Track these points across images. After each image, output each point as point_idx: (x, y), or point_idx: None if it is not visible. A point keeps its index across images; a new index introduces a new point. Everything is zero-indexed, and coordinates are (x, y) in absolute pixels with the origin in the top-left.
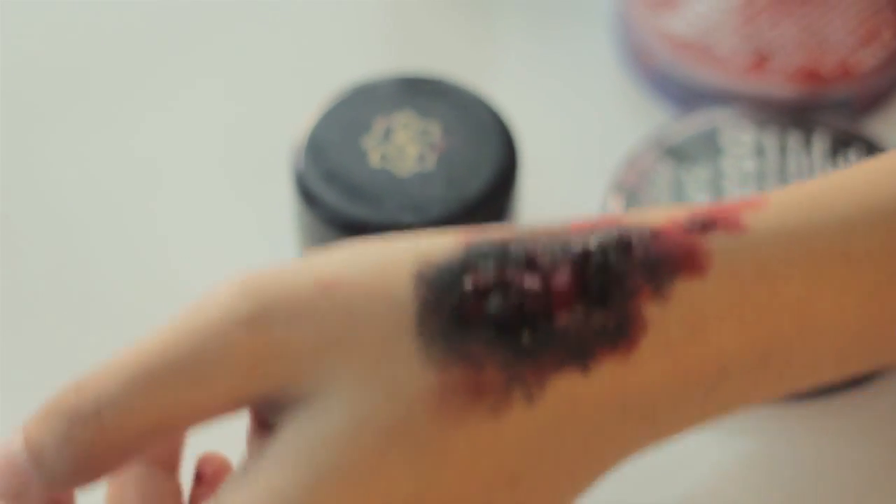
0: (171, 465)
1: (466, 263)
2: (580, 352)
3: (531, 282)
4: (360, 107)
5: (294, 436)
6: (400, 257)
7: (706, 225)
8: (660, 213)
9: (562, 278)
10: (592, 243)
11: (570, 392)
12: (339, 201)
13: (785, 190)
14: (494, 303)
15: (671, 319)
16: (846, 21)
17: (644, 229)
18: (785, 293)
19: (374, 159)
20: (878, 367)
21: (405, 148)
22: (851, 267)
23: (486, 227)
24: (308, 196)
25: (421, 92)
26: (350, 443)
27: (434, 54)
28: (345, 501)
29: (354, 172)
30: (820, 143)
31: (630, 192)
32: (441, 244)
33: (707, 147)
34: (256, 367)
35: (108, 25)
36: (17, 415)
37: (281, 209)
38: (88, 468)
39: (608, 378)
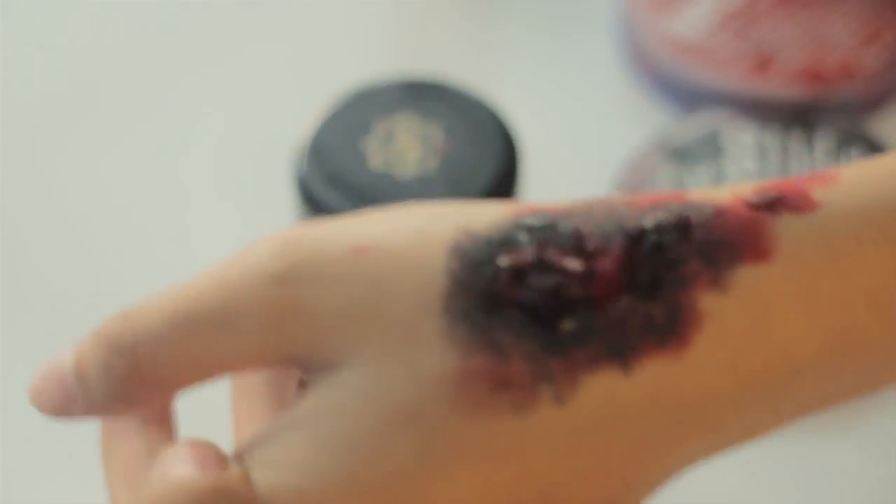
0: (163, 421)
1: (508, 237)
2: (621, 348)
3: (574, 264)
4: (361, 110)
5: (312, 401)
6: (441, 224)
7: (773, 202)
8: (726, 189)
9: (608, 261)
10: (648, 221)
11: (607, 394)
12: (342, 205)
13: (856, 165)
14: (530, 285)
15: (731, 312)
16: (848, 22)
17: (707, 207)
18: (860, 279)
19: (376, 162)
20: None
21: (407, 151)
22: None
23: (547, 200)
24: (310, 200)
25: (422, 95)
26: (360, 417)
27: (436, 57)
28: (347, 474)
29: (356, 175)
30: (822, 144)
31: (632, 193)
32: (488, 213)
33: (709, 148)
34: (282, 324)
35: (111, 31)
36: (19, 416)
37: (282, 213)
38: (122, 399)
39: (654, 379)
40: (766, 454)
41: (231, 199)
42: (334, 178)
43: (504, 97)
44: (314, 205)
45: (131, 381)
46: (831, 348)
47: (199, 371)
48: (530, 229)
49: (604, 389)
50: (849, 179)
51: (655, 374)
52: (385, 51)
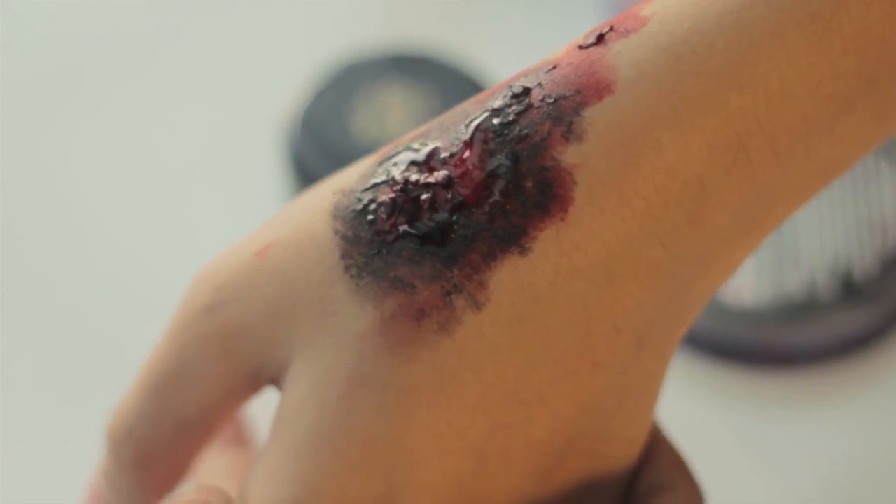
0: (240, 441)
1: (375, 181)
2: (509, 233)
3: (435, 176)
4: (351, 81)
5: (280, 410)
6: (319, 199)
7: (602, 35)
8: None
9: (464, 159)
10: (490, 106)
11: (517, 280)
12: (333, 172)
13: None
14: (406, 213)
15: (597, 155)
16: None
17: (541, 69)
18: (714, 67)
19: (367, 133)
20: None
21: (396, 122)
22: (780, 5)
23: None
24: (304, 172)
25: (411, 67)
26: (317, 403)
27: (422, 27)
28: (326, 460)
29: (348, 147)
30: None
31: None
32: (357, 168)
33: None
34: (228, 348)
35: (95, 6)
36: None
37: (272, 185)
38: (148, 481)
39: (554, 248)
40: (757, 425)
41: (220, 174)
42: (327, 149)
43: (490, 69)
44: (307, 177)
45: (145, 464)
46: (721, 150)
47: (193, 425)
48: (392, 163)
49: (512, 277)
50: None
51: (551, 243)
52: (369, 21)
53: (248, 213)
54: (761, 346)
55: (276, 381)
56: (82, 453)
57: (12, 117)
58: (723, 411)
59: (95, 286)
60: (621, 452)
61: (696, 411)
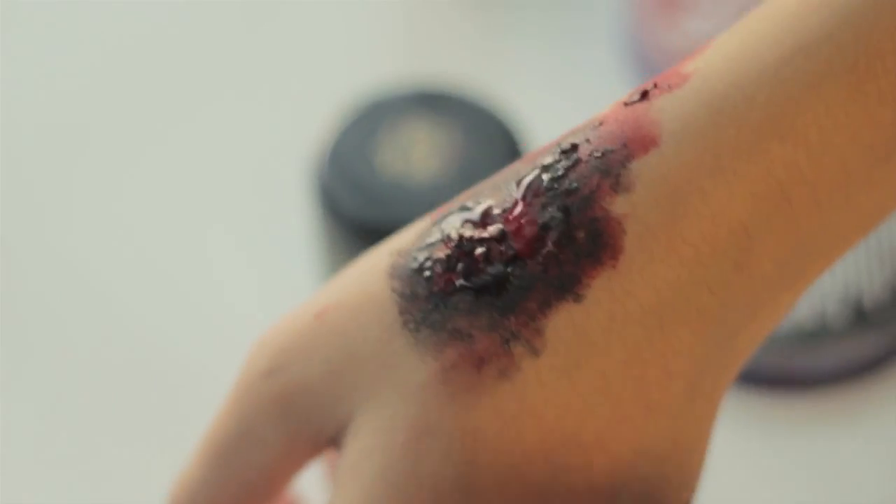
0: None
1: (431, 240)
2: (563, 282)
3: (489, 231)
4: (377, 118)
5: (345, 461)
6: (376, 261)
7: (646, 92)
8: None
9: (517, 214)
10: (539, 163)
11: (571, 326)
12: (361, 211)
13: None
14: (461, 268)
15: (645, 205)
16: None
17: (588, 126)
18: (756, 119)
19: (392, 169)
20: None
21: (421, 156)
22: (818, 58)
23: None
24: (331, 206)
25: (435, 104)
26: (384, 450)
27: (444, 65)
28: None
29: (374, 182)
30: None
31: None
32: (412, 229)
33: None
34: (288, 411)
35: (118, 41)
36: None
37: (298, 222)
38: None
39: (606, 295)
40: (769, 447)
41: (250, 208)
42: (354, 183)
43: (512, 105)
44: (335, 210)
45: None
46: (765, 197)
47: (255, 490)
48: (446, 223)
49: (567, 324)
50: (719, 40)
51: (604, 290)
52: (392, 59)
53: (278, 247)
54: (775, 371)
55: (336, 440)
56: (82, 454)
57: (26, 146)
58: (736, 433)
59: (117, 319)
60: (675, 497)
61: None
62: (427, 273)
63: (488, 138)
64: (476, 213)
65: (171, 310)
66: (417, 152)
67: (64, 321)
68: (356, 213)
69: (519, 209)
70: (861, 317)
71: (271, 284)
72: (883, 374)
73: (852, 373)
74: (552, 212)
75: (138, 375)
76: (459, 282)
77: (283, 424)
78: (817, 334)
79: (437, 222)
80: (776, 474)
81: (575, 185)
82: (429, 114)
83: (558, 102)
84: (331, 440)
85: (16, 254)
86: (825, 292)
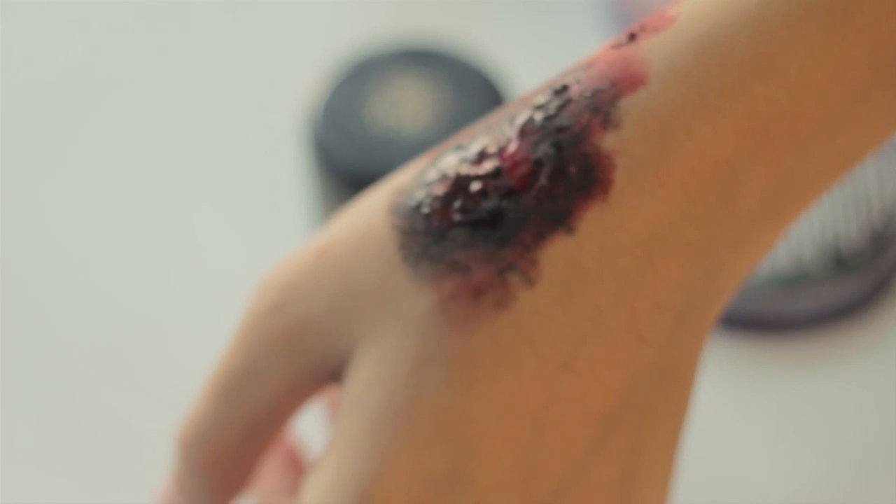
0: (295, 462)
1: (429, 178)
2: (556, 215)
3: (485, 168)
4: (367, 74)
5: (348, 392)
6: (376, 199)
7: (633, 34)
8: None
9: (510, 152)
10: (532, 103)
11: (564, 257)
12: (357, 162)
13: None
14: (458, 203)
15: (634, 140)
16: None
17: (578, 68)
18: (738, 59)
19: (385, 123)
20: None
21: (410, 111)
22: (801, 0)
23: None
24: (327, 159)
25: (423, 59)
26: (386, 380)
27: (431, 22)
28: (400, 434)
29: (368, 135)
30: None
31: None
32: (411, 168)
33: None
34: (293, 345)
35: (105, 10)
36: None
37: (293, 172)
38: (222, 485)
39: (598, 227)
40: (749, 390)
41: (246, 163)
42: (346, 137)
43: (496, 60)
44: (329, 163)
45: (216, 466)
46: (749, 134)
47: (261, 424)
48: (443, 161)
49: (560, 255)
50: None
51: (595, 222)
52: (381, 17)
53: (275, 200)
54: (755, 316)
55: (338, 373)
56: (81, 455)
57: (25, 115)
58: (717, 377)
59: (119, 289)
60: (666, 425)
61: None
62: (425, 209)
63: (475, 92)
64: (472, 152)
65: (163, 264)
66: (407, 106)
67: (56, 297)
68: (349, 164)
69: (513, 147)
70: (838, 262)
71: (267, 236)
72: (859, 318)
73: (830, 317)
74: (545, 148)
75: (137, 352)
76: (457, 217)
77: (287, 359)
78: (796, 279)
79: (434, 161)
80: (756, 417)
81: (566, 122)
82: (418, 69)
83: (541, 58)
84: (333, 374)
85: (6, 239)
86: (803, 238)
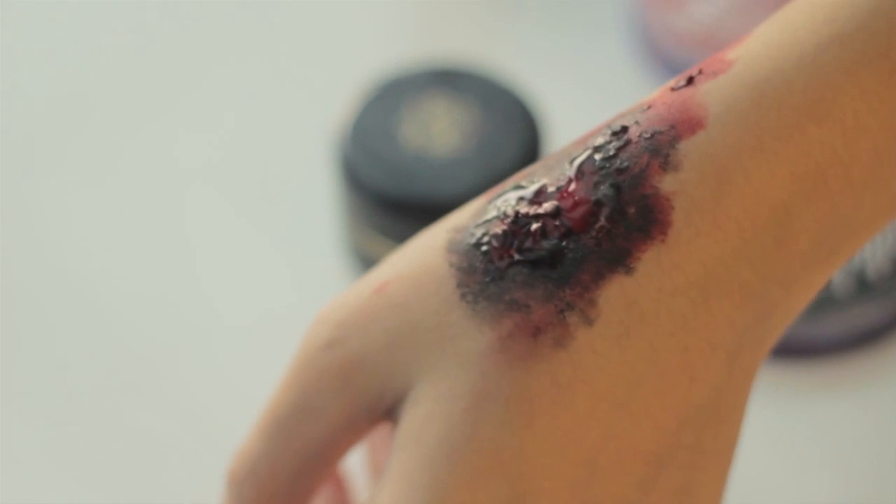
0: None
1: (488, 217)
2: (615, 255)
3: (544, 207)
4: (397, 95)
5: (405, 428)
6: (434, 237)
7: (692, 77)
8: (658, 89)
9: (571, 192)
10: (591, 144)
11: (623, 297)
12: (383, 183)
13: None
14: (518, 243)
15: (692, 182)
16: None
17: (637, 110)
18: (795, 103)
19: (413, 143)
20: None
21: (440, 131)
22: (853, 45)
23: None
24: (354, 179)
25: (453, 81)
26: (444, 417)
27: (460, 44)
28: (458, 469)
29: (396, 156)
30: None
31: None
32: (469, 208)
33: None
34: (348, 382)
35: (133, 23)
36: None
37: (323, 191)
38: None
39: (656, 267)
40: (776, 414)
41: (276, 182)
42: (376, 158)
43: (525, 83)
44: (357, 183)
45: (266, 502)
46: (803, 177)
47: (314, 461)
48: (502, 200)
49: (619, 295)
50: (759, 30)
51: (653, 263)
52: (411, 40)
53: (303, 220)
54: (781, 340)
55: (393, 411)
56: (82, 455)
57: (39, 122)
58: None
59: (135, 302)
60: (715, 465)
61: None
62: (484, 247)
63: (505, 113)
64: (531, 191)
65: (196, 283)
66: (437, 127)
67: (71, 310)
68: (377, 184)
69: (572, 187)
70: (864, 286)
71: (297, 258)
72: (886, 343)
73: (856, 341)
74: (604, 189)
75: (161, 351)
76: (516, 255)
77: (342, 396)
78: (822, 303)
79: (492, 200)
80: (782, 440)
81: (626, 163)
82: (448, 90)
83: (569, 78)
84: (387, 412)
85: (12, 244)
86: None
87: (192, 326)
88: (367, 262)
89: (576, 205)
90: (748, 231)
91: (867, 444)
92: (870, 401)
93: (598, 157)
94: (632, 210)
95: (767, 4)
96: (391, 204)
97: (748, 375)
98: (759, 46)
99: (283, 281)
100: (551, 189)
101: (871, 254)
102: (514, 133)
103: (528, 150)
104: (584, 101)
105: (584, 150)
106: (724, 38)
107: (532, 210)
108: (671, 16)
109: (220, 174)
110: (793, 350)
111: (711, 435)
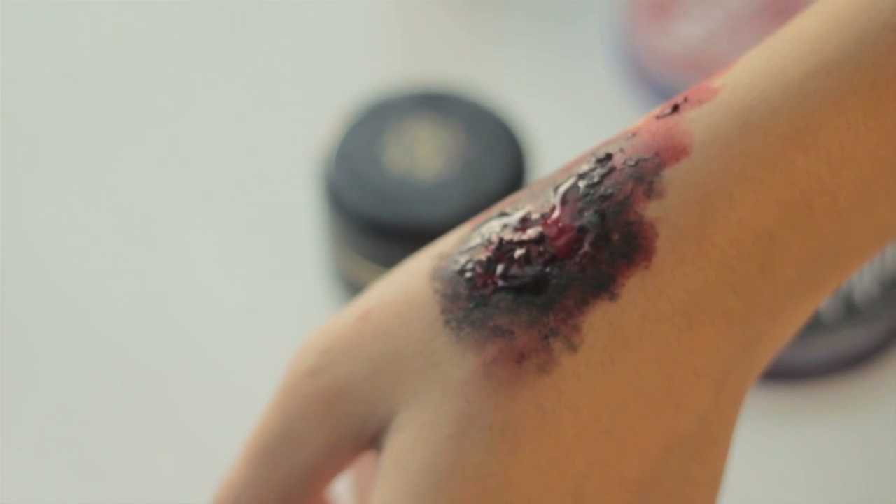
0: None
1: (471, 244)
2: (599, 281)
3: (528, 234)
4: (381, 118)
5: (389, 455)
6: (418, 264)
7: (677, 105)
8: (643, 117)
9: (554, 219)
10: (576, 171)
11: (607, 323)
12: (368, 207)
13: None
14: (501, 269)
15: (676, 209)
16: None
17: (622, 137)
18: (781, 132)
19: (397, 167)
20: None
21: (425, 155)
22: (839, 75)
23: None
24: (338, 202)
25: (437, 104)
26: (428, 443)
27: (443, 66)
28: (443, 498)
29: (380, 179)
30: None
31: None
32: (453, 235)
33: None
34: (332, 408)
35: (120, 44)
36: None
37: (306, 215)
38: None
39: (640, 294)
40: (764, 437)
41: (259, 205)
42: (360, 181)
43: (509, 105)
44: (341, 207)
45: None
46: (787, 203)
47: (299, 489)
48: (486, 227)
49: (603, 321)
50: (745, 59)
51: (637, 289)
52: (394, 62)
53: (286, 244)
54: (770, 362)
55: (378, 438)
56: (81, 455)
57: (25, 137)
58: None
59: (129, 319)
60: (701, 494)
61: None
62: (468, 274)
63: (490, 136)
64: (515, 219)
65: (180, 308)
66: (421, 150)
67: (65, 326)
68: (361, 207)
69: (557, 213)
70: (852, 310)
71: (281, 281)
72: (873, 367)
73: (844, 365)
74: (589, 216)
75: (144, 373)
76: (500, 282)
77: (326, 424)
78: (809, 327)
79: (476, 227)
80: (769, 464)
81: (610, 191)
82: (432, 113)
83: (554, 101)
84: (372, 440)
85: (12, 251)
86: None
87: (174, 351)
88: (351, 285)
89: (560, 231)
90: (733, 258)
91: (855, 467)
92: (857, 424)
93: (582, 184)
94: (616, 237)
95: (753, 27)
96: (375, 228)
97: (735, 403)
98: (745, 75)
99: (267, 304)
100: (536, 216)
101: (858, 277)
102: (499, 156)
103: (514, 173)
104: (570, 123)
105: (569, 178)
106: (709, 60)
107: (516, 237)
108: (657, 38)
109: (203, 197)
110: (780, 373)
111: (698, 463)
